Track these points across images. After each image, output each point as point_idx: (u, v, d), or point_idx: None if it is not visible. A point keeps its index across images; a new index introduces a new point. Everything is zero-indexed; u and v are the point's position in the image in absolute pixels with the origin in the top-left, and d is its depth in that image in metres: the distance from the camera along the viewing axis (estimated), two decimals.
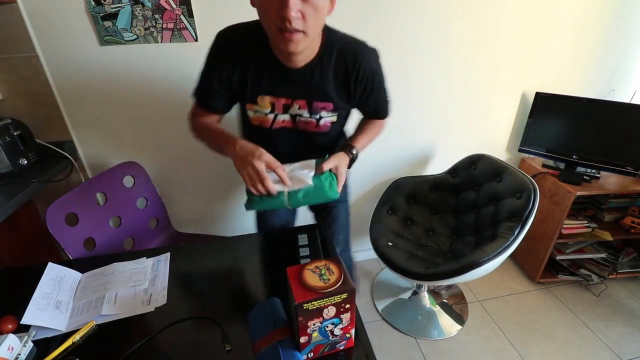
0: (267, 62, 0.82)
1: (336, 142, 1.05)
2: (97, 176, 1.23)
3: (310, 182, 0.82)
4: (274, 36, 0.72)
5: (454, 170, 1.70)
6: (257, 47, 0.81)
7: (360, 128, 1.03)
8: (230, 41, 0.83)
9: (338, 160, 0.87)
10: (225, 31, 0.84)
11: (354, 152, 0.93)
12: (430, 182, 1.72)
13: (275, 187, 0.78)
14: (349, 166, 0.92)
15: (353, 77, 0.85)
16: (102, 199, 1.25)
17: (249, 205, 0.85)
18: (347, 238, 1.26)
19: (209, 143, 0.92)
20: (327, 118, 0.92)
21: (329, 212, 1.18)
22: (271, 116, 0.90)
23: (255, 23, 0.80)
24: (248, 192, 0.83)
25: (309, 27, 0.69)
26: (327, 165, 0.85)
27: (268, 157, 0.77)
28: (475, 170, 1.60)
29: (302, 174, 0.84)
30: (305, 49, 0.75)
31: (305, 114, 0.89)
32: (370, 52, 0.87)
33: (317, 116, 0.90)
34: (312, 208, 1.24)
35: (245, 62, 0.83)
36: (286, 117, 0.91)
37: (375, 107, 0.98)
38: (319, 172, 0.84)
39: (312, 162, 0.89)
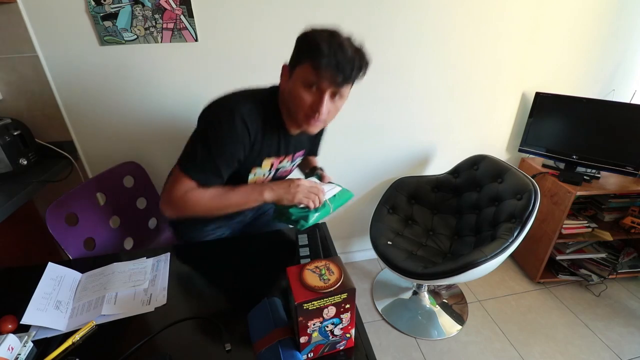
0: (276, 128, 0.90)
1: None
2: (97, 176, 1.23)
3: (338, 187, 0.99)
4: (300, 120, 0.84)
5: (455, 171, 1.70)
6: (269, 115, 0.87)
7: (309, 160, 1.22)
8: (251, 109, 0.83)
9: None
10: (242, 99, 0.83)
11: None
12: (432, 182, 1.72)
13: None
14: None
15: (321, 130, 1.09)
16: (102, 199, 1.25)
17: (305, 225, 0.89)
18: None
19: (221, 206, 0.86)
20: (298, 162, 1.08)
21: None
22: (267, 174, 0.98)
23: (259, 91, 0.89)
24: (296, 213, 0.89)
25: (329, 119, 0.86)
26: (329, 177, 1.03)
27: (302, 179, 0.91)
28: (477, 171, 1.60)
29: (323, 184, 0.98)
30: None
31: (288, 164, 1.02)
32: None
33: (294, 163, 1.05)
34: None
35: (261, 129, 0.86)
36: (273, 172, 0.99)
37: (317, 149, 1.21)
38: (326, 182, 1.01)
39: (313, 178, 1.02)
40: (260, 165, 0.92)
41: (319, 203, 0.89)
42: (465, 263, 1.21)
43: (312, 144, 1.13)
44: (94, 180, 1.22)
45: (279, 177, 1.05)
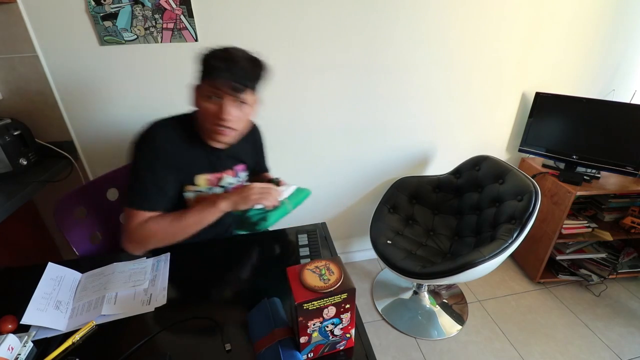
0: (199, 144, 0.95)
1: None
2: (109, 173, 1.21)
3: (294, 186, 1.02)
4: (212, 131, 0.90)
5: (457, 171, 1.69)
6: (188, 134, 0.94)
7: (262, 177, 1.23)
8: (168, 130, 0.92)
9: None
10: (158, 124, 0.93)
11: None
12: (434, 182, 1.71)
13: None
14: None
15: (254, 140, 1.14)
16: (113, 195, 1.24)
17: (265, 225, 0.94)
18: None
19: (180, 229, 0.89)
20: (245, 176, 1.11)
21: None
22: (208, 192, 1.00)
23: (180, 116, 0.97)
24: (255, 215, 0.94)
25: (239, 126, 0.92)
26: (285, 182, 1.06)
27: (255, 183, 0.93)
28: (478, 172, 1.59)
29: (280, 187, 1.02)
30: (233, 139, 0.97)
31: (233, 180, 1.06)
32: (259, 127, 1.17)
33: (239, 178, 1.08)
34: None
35: (182, 146, 0.93)
36: (218, 189, 1.02)
37: (264, 164, 1.24)
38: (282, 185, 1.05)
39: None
40: (193, 182, 0.97)
41: (275, 200, 0.92)
42: (464, 263, 1.21)
43: (254, 158, 1.15)
44: (105, 177, 1.20)
45: None
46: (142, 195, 0.88)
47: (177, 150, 0.91)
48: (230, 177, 1.05)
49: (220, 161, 1.01)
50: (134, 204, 0.88)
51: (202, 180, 0.98)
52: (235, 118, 0.88)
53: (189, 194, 0.97)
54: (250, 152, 1.11)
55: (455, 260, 1.25)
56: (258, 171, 1.21)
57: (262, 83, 0.91)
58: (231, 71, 0.83)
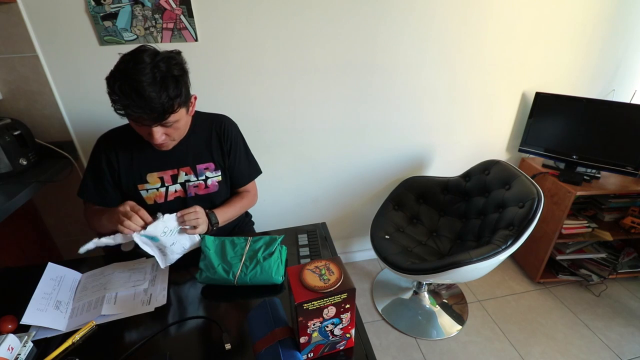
0: (146, 145, 0.96)
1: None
2: None
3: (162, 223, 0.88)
4: (149, 142, 0.92)
5: (467, 175, 1.66)
6: (136, 136, 0.95)
7: (227, 201, 1.13)
8: (111, 135, 1.00)
9: (193, 208, 0.94)
10: (103, 134, 1.01)
11: (213, 218, 1.01)
12: (443, 183, 1.70)
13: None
14: (209, 229, 1.00)
15: (223, 137, 1.06)
16: None
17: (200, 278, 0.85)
18: None
19: (100, 224, 0.94)
20: (213, 178, 1.07)
21: None
22: (163, 190, 1.02)
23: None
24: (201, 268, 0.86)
25: (174, 137, 0.93)
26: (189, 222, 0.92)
27: (131, 202, 0.88)
28: (487, 176, 1.56)
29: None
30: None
31: (193, 178, 1.04)
32: (229, 119, 1.11)
33: (203, 177, 1.05)
34: None
35: (128, 147, 0.98)
36: (177, 187, 1.03)
37: (248, 167, 1.15)
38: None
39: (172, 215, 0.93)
40: (145, 181, 1.00)
41: (133, 228, 0.82)
42: (450, 262, 1.22)
43: (223, 156, 1.07)
44: None
45: (195, 196, 1.05)
46: (81, 187, 1.01)
47: (122, 153, 0.98)
48: (188, 174, 1.03)
49: (172, 159, 1.01)
50: (78, 193, 1.02)
51: (154, 179, 1.00)
52: (169, 135, 0.90)
53: (143, 192, 1.00)
54: (215, 148, 1.05)
55: (443, 259, 1.26)
56: (234, 179, 1.12)
57: (185, 94, 0.85)
58: (141, 106, 0.77)
